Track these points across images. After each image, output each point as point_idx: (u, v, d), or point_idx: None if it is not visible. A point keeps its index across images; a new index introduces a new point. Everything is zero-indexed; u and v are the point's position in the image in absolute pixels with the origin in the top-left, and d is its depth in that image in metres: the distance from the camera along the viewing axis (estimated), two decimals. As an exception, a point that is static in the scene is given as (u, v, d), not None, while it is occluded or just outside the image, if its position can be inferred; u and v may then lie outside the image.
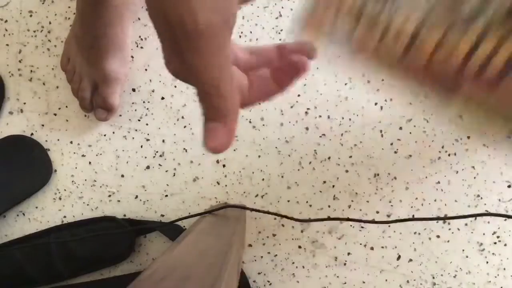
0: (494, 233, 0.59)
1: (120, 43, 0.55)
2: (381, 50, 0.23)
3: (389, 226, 0.60)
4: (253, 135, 0.59)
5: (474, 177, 0.59)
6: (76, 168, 0.60)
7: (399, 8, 0.21)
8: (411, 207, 0.59)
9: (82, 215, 0.60)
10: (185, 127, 0.59)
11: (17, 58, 0.59)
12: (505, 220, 0.59)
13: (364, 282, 0.60)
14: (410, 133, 0.59)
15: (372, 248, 0.60)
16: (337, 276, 0.60)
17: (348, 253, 0.60)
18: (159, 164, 0.59)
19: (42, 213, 0.60)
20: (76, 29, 0.54)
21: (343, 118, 0.59)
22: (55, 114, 0.59)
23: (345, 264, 0.60)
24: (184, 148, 0.59)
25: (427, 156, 0.59)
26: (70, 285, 0.59)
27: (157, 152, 0.59)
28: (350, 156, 0.59)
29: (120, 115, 0.59)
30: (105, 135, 0.59)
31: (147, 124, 0.59)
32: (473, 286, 0.60)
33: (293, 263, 0.60)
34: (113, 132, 0.59)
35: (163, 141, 0.59)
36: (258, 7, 0.58)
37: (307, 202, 0.60)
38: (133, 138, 0.59)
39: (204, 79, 0.20)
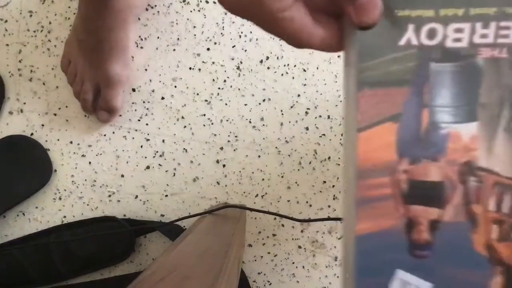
0: (494, 233, 0.59)
1: (123, 46, 0.55)
2: None
3: (389, 226, 0.59)
4: (253, 135, 0.59)
5: (474, 177, 0.59)
6: (76, 168, 0.60)
7: None
8: (411, 207, 0.59)
9: (82, 215, 0.60)
10: (185, 127, 0.59)
11: (17, 58, 0.59)
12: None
13: (364, 282, 0.60)
14: (410, 133, 0.59)
15: (372, 248, 0.60)
16: (337, 276, 0.60)
17: (348, 253, 0.60)
18: (159, 164, 0.59)
19: (42, 213, 0.60)
20: (78, 32, 0.54)
21: (343, 118, 0.59)
22: (55, 114, 0.60)
23: (345, 264, 0.60)
24: (184, 148, 0.59)
25: (427, 156, 0.59)
26: (70, 285, 0.59)
27: (157, 152, 0.59)
28: (350, 156, 0.59)
29: (120, 115, 0.59)
30: (105, 135, 0.59)
31: (147, 124, 0.59)
32: (473, 286, 0.60)
33: (293, 263, 0.60)
34: (113, 132, 0.59)
35: (163, 141, 0.59)
36: (258, 7, 0.58)
37: (307, 202, 0.60)
38: (133, 138, 0.59)
39: None
